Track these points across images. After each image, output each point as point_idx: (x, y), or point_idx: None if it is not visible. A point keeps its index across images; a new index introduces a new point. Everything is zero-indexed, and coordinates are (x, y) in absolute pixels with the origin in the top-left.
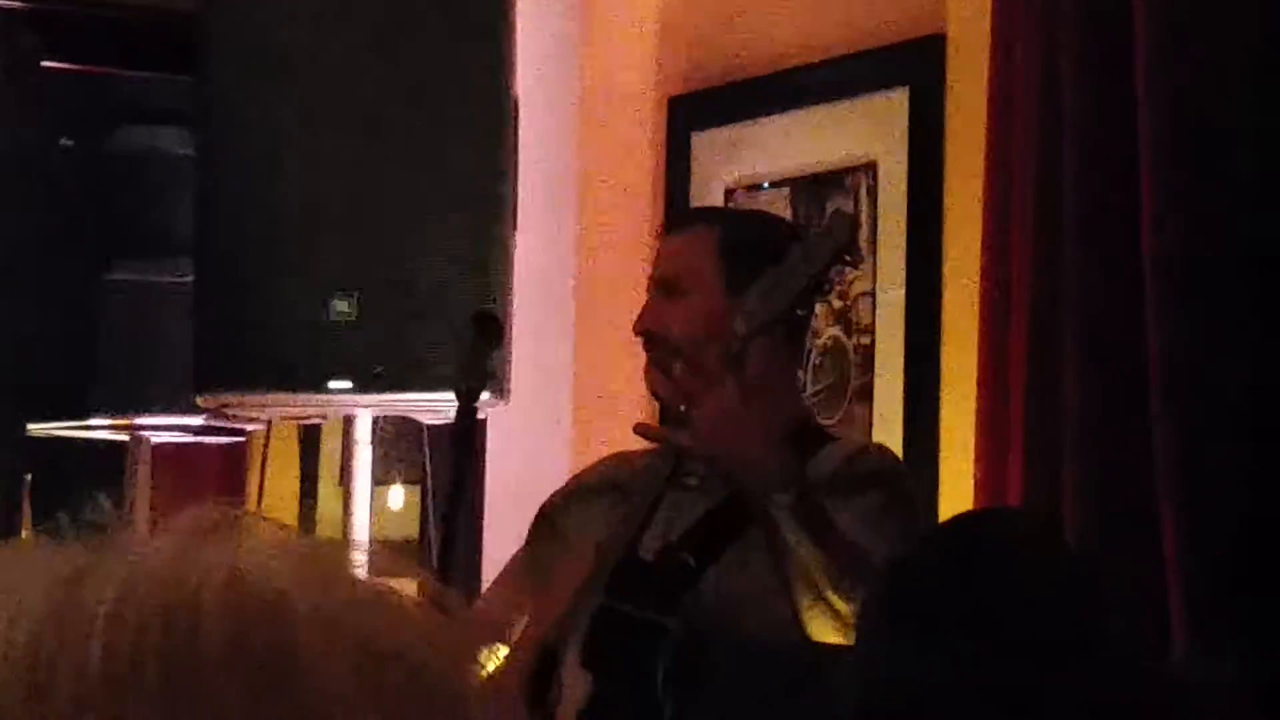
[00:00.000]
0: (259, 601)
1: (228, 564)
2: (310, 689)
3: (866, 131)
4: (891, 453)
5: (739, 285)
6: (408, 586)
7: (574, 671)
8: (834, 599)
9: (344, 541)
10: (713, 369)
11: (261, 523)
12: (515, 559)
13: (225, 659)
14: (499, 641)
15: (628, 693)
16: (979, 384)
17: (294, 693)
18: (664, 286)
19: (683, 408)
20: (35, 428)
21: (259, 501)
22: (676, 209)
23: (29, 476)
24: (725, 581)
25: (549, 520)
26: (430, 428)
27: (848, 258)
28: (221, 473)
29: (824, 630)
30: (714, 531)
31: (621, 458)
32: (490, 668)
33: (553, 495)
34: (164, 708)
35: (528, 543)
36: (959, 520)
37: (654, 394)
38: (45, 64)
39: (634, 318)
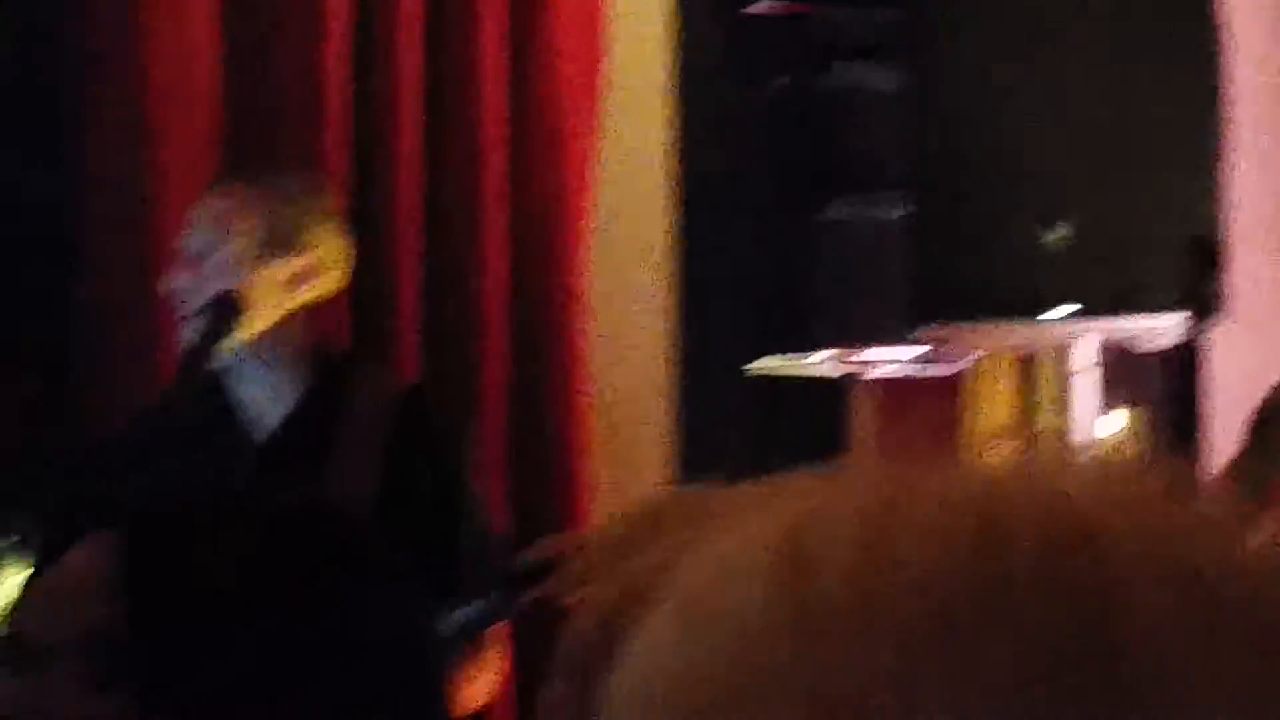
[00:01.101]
0: (1069, 526)
1: (1033, 488)
2: (1126, 618)
3: None
4: None
5: None
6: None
7: None
8: None
9: (1152, 462)
10: None
11: (1060, 446)
12: (1224, 468)
13: (1035, 586)
14: None
15: None
16: None
17: (1108, 621)
18: None
19: None
20: (758, 366)
21: (977, 433)
22: None
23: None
24: None
25: (1258, 430)
26: (1150, 351)
27: None
28: (939, 405)
29: None
30: None
31: None
32: None
33: (1263, 401)
34: (973, 631)
35: (1239, 451)
36: None
37: None
38: (755, 6)
39: None
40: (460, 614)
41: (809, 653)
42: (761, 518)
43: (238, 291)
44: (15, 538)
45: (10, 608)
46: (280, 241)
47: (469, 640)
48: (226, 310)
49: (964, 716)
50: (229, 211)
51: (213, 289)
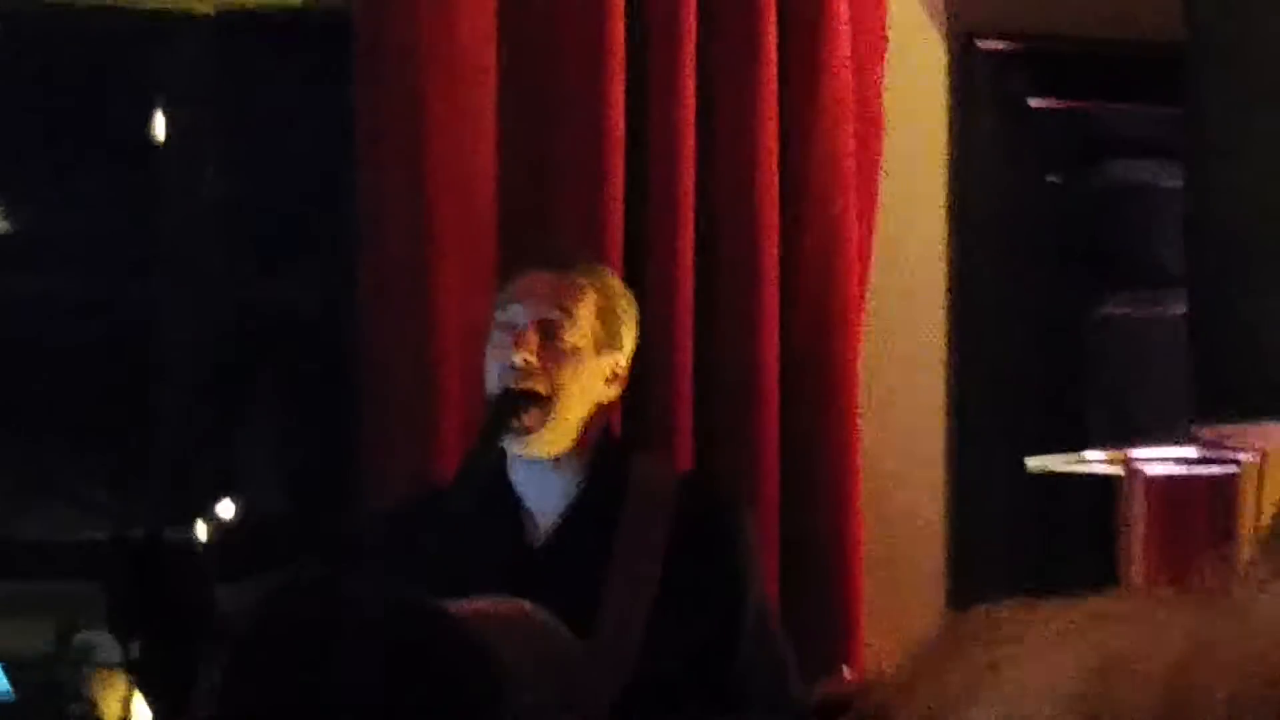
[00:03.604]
0: None
1: None
2: None
3: None
4: None
5: None
6: None
7: None
8: None
9: None
10: None
11: None
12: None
13: None
14: None
15: None
16: None
17: None
18: None
19: None
20: (1033, 462)
21: (1251, 534)
22: None
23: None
24: None
25: None
26: None
27: None
28: (1212, 504)
29: None
30: None
31: None
32: None
33: None
34: None
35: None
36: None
37: None
38: (1032, 102)
39: None
40: None
41: None
42: (1061, 656)
43: (524, 382)
44: None
45: None
46: (609, 336)
47: None
48: (514, 403)
49: None
50: (571, 297)
51: (553, 371)
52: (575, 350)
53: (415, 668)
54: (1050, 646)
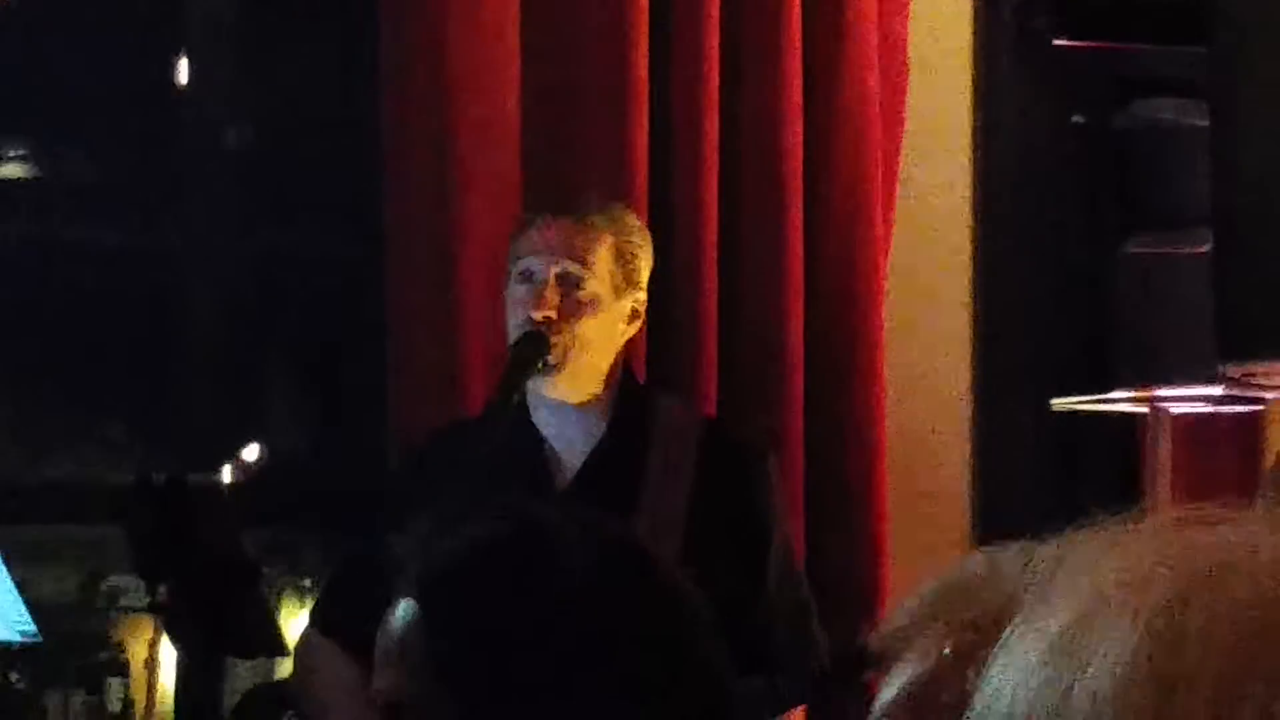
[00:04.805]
0: None
1: None
2: None
3: None
4: None
5: None
6: None
7: None
8: None
9: None
10: None
11: None
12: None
13: None
14: None
15: None
16: None
17: None
18: None
19: None
20: (1058, 402)
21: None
22: None
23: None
24: None
25: None
26: None
27: None
28: (1238, 443)
29: None
30: None
31: None
32: None
33: None
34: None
35: None
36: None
37: None
38: (1057, 42)
39: None
40: (751, 684)
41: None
42: (1144, 556)
43: (547, 327)
44: (304, 581)
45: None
46: (628, 278)
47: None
48: (537, 345)
49: None
50: (589, 246)
51: (574, 324)
52: (595, 299)
53: (626, 608)
54: (1122, 549)
